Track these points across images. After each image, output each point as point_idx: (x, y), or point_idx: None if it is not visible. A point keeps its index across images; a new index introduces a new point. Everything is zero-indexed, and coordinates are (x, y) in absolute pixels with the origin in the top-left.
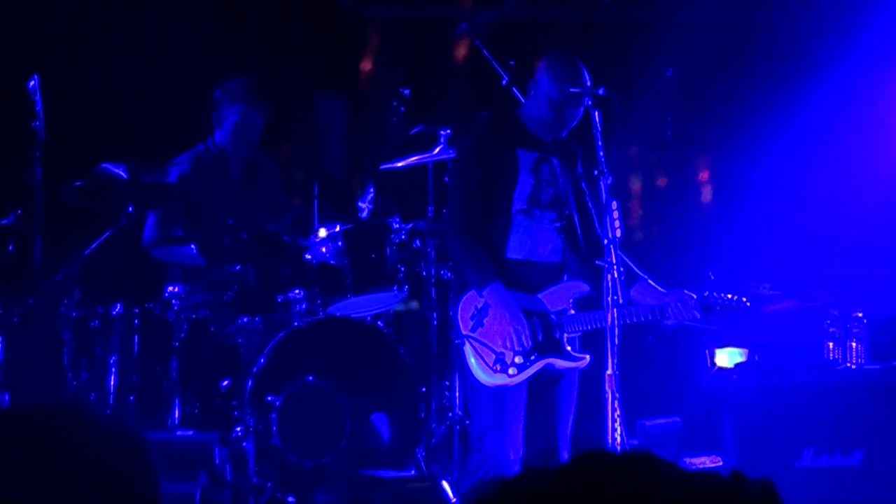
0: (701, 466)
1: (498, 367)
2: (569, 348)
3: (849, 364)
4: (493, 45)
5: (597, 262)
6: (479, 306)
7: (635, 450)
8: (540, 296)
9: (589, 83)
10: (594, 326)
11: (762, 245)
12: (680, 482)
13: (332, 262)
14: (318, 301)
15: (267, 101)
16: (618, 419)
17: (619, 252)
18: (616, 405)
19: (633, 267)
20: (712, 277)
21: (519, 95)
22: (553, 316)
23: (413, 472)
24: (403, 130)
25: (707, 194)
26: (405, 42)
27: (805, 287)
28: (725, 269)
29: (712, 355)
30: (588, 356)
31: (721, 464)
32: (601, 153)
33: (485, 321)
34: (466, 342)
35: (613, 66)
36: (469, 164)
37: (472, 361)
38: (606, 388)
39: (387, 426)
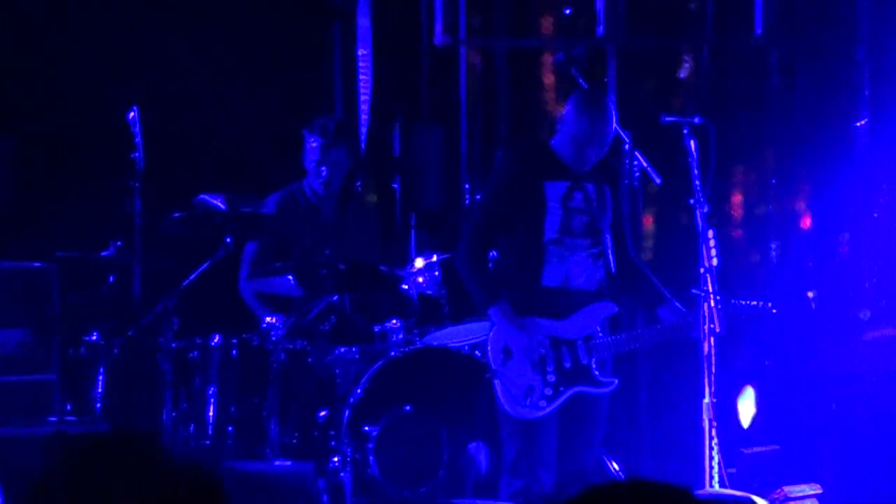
0: (801, 495)
1: (528, 401)
2: (597, 373)
3: None
4: (588, 73)
5: (692, 290)
6: (505, 341)
7: (637, 480)
8: (567, 322)
9: (613, 123)
10: (626, 348)
11: (866, 271)
12: None
13: (428, 291)
14: (415, 331)
15: (346, 141)
16: (716, 447)
17: (715, 281)
18: (714, 433)
19: (659, 286)
20: (811, 296)
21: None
22: (580, 342)
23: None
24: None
25: (805, 223)
26: (502, 72)
27: None
28: (828, 294)
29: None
30: (616, 380)
31: (821, 492)
32: (697, 182)
33: (513, 355)
34: (496, 378)
35: (710, 94)
36: (487, 196)
37: (503, 397)
38: (704, 416)
39: (485, 456)
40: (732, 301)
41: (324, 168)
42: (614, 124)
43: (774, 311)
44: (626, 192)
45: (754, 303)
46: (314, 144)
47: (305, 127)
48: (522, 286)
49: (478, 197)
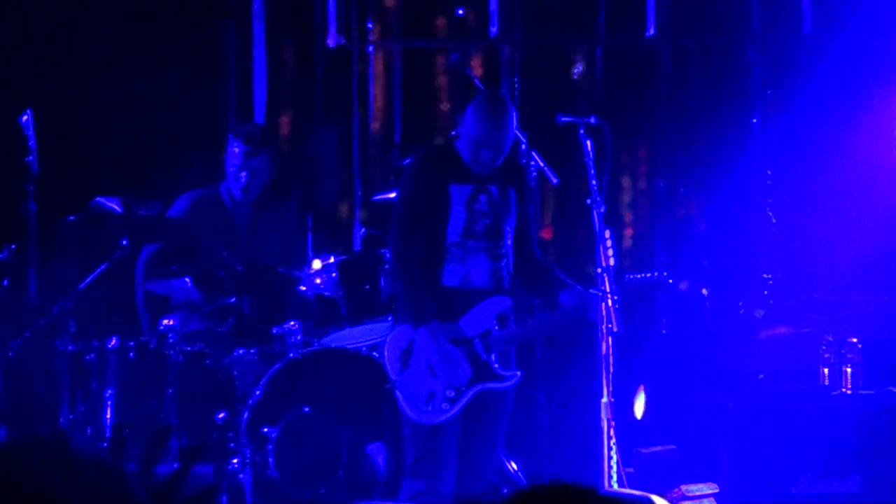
0: (698, 494)
1: (430, 406)
2: (497, 368)
3: (844, 389)
4: (483, 75)
5: (591, 290)
6: (403, 347)
7: (558, 482)
8: (461, 322)
9: (513, 127)
10: (525, 338)
11: (759, 271)
12: None
13: (326, 293)
14: (314, 332)
15: (269, 149)
16: (614, 447)
17: (613, 280)
18: (612, 433)
19: (561, 275)
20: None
21: None
22: (477, 339)
23: (406, 501)
24: (398, 161)
25: (697, 220)
26: (397, 73)
27: (800, 313)
28: (722, 293)
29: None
30: (519, 373)
31: (717, 490)
32: (593, 182)
33: (411, 361)
34: (396, 387)
35: (604, 94)
36: (404, 202)
37: (405, 403)
38: (602, 415)
39: (383, 456)
40: (628, 277)
41: (244, 174)
42: (513, 128)
43: (671, 280)
44: (528, 192)
45: (649, 274)
46: (237, 150)
47: (230, 131)
48: (429, 283)
49: (394, 198)
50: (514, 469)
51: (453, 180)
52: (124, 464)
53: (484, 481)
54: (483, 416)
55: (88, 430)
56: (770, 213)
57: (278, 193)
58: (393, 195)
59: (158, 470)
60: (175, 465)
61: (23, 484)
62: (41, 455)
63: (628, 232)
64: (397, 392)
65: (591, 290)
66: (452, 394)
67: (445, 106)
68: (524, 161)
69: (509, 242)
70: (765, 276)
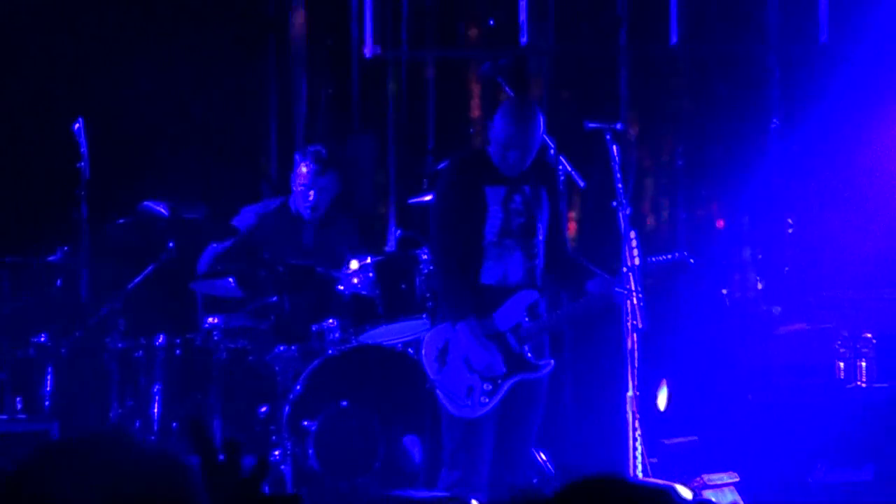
0: (719, 482)
1: (470, 400)
2: (531, 358)
3: (858, 383)
4: (514, 81)
5: (616, 288)
6: (440, 346)
7: (613, 475)
8: (495, 316)
9: (540, 130)
10: (556, 327)
11: (778, 270)
12: None
13: (363, 292)
14: (351, 330)
15: (336, 167)
16: (638, 438)
17: (638, 279)
18: (637, 424)
19: (588, 265)
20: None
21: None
22: (508, 333)
23: (443, 491)
24: (432, 165)
25: (719, 223)
26: (430, 82)
27: (816, 309)
28: (742, 292)
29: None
30: (552, 361)
31: (737, 479)
32: (619, 185)
33: (448, 359)
34: (435, 386)
35: (630, 100)
36: (442, 205)
37: (445, 400)
38: (628, 409)
39: (418, 448)
40: (650, 259)
41: (312, 192)
42: (541, 131)
43: (692, 260)
44: (559, 191)
45: (672, 255)
46: (305, 169)
47: (298, 151)
48: (466, 281)
49: (430, 202)
50: (542, 459)
51: (488, 182)
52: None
53: (519, 472)
54: (519, 407)
55: (137, 424)
56: (789, 220)
57: (340, 207)
58: (427, 198)
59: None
60: (219, 458)
61: (85, 479)
62: (104, 449)
63: (648, 222)
64: (437, 390)
65: (615, 277)
66: (490, 387)
67: (476, 112)
68: (553, 163)
69: (542, 239)
70: (785, 269)
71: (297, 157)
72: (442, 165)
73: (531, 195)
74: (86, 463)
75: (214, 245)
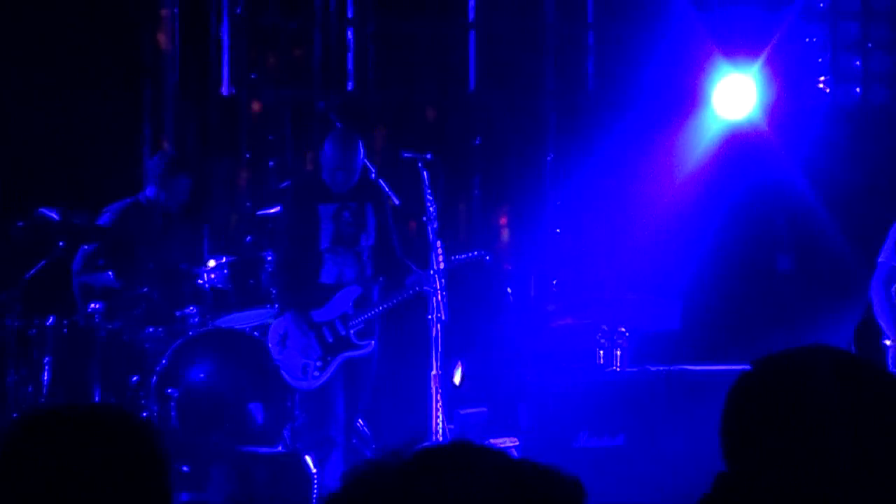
0: (502, 446)
1: (304, 376)
2: (355, 339)
3: (614, 367)
4: (344, 118)
5: (423, 287)
6: (281, 333)
7: (465, 441)
8: (326, 307)
9: (361, 155)
10: (376, 313)
11: (551, 274)
12: (511, 472)
13: (219, 285)
14: (208, 315)
15: (183, 175)
16: (440, 409)
17: (442, 280)
18: (439, 398)
19: (410, 265)
20: (509, 292)
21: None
22: (337, 320)
23: (281, 448)
24: (275, 184)
25: (506, 236)
26: (278, 117)
27: (581, 307)
28: (523, 291)
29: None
30: (372, 342)
31: (517, 443)
32: (429, 204)
33: (287, 343)
34: (279, 365)
35: (436, 136)
36: (283, 221)
37: (287, 376)
38: (431, 385)
39: (261, 413)
40: (453, 257)
41: (162, 196)
42: (362, 156)
43: (487, 258)
44: (388, 207)
45: (473, 253)
46: (156, 177)
47: (150, 159)
48: (304, 283)
49: (269, 212)
50: (361, 424)
51: (320, 200)
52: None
53: (357, 433)
54: (348, 379)
55: (30, 388)
56: (558, 230)
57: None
58: (272, 211)
59: None
60: None
61: (72, 446)
62: (90, 419)
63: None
64: (281, 370)
65: (427, 272)
66: (321, 364)
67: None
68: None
69: (370, 245)
70: (553, 281)
71: (148, 164)
72: (284, 185)
73: (357, 210)
74: (74, 432)
75: (85, 247)
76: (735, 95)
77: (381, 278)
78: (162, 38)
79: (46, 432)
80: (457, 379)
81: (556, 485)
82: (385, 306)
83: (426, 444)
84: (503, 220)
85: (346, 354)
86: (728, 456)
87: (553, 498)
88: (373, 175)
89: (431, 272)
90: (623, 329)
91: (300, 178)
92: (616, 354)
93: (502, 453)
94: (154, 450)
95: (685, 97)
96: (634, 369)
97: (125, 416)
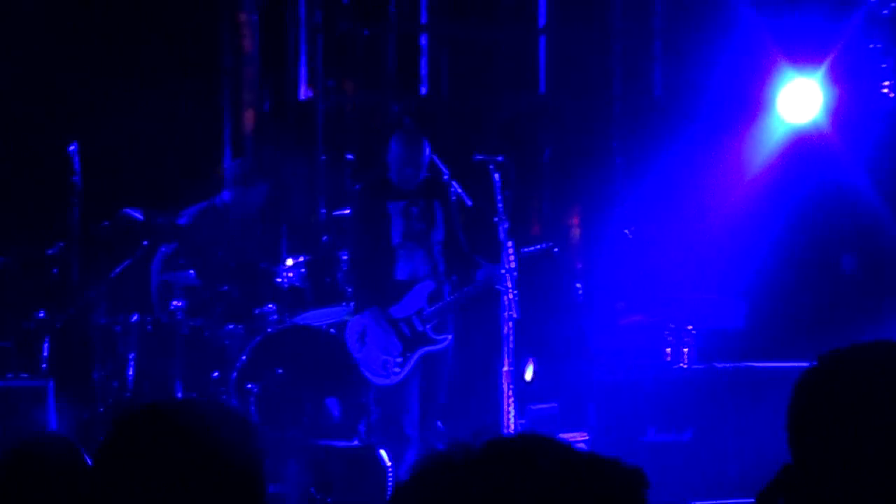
0: (572, 441)
1: (385, 372)
2: (432, 334)
3: (682, 364)
4: (417, 121)
5: (497, 286)
6: (359, 331)
7: (532, 433)
8: (402, 303)
9: (427, 151)
10: (452, 308)
11: (620, 273)
12: (574, 463)
13: (296, 284)
14: (286, 313)
15: (261, 182)
16: (511, 404)
17: (514, 279)
18: (510, 393)
19: (479, 259)
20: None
21: (437, 161)
22: (413, 316)
23: (357, 442)
24: (350, 186)
25: (576, 235)
26: (353, 120)
27: (650, 305)
28: (592, 289)
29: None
30: (449, 336)
31: (587, 438)
32: (500, 204)
33: (367, 340)
34: (358, 362)
35: (507, 138)
36: (355, 221)
37: (367, 373)
38: (503, 381)
39: (337, 407)
40: (523, 249)
41: (240, 202)
42: (427, 152)
43: (556, 249)
44: (455, 204)
45: (541, 245)
46: (234, 183)
47: (228, 165)
48: (379, 280)
49: (345, 212)
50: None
51: (390, 198)
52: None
53: (433, 429)
54: (425, 374)
55: (115, 384)
56: (627, 232)
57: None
58: (346, 212)
59: None
60: None
61: (172, 439)
62: (188, 413)
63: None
64: (360, 366)
65: (497, 267)
66: (401, 359)
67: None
68: (444, 182)
69: (440, 240)
70: (626, 274)
71: (226, 169)
72: (356, 188)
73: (425, 206)
74: (169, 427)
75: (166, 246)
76: (800, 100)
77: (452, 273)
78: (241, 44)
79: (149, 428)
80: (528, 375)
81: (619, 475)
82: (457, 299)
83: (492, 436)
84: (573, 220)
85: (424, 350)
86: (793, 448)
87: (616, 487)
88: (446, 176)
89: (503, 271)
90: (690, 327)
91: (368, 179)
92: (683, 351)
93: (566, 445)
94: (252, 443)
95: (750, 101)
96: (701, 366)
97: (225, 410)
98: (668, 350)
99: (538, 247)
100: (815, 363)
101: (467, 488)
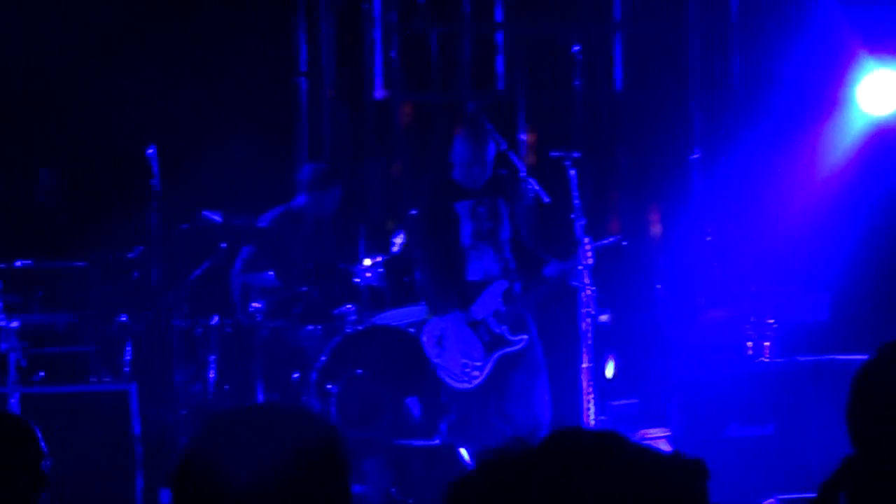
0: (654, 436)
1: (465, 376)
2: (509, 336)
3: (763, 358)
4: (492, 119)
5: (570, 282)
6: (437, 335)
7: (599, 429)
8: (478, 304)
9: (492, 149)
10: (526, 307)
11: (701, 269)
12: (632, 454)
13: (374, 284)
14: (365, 313)
15: (335, 185)
16: (591, 401)
17: (591, 276)
18: (590, 390)
19: (543, 255)
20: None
21: (514, 158)
22: (490, 318)
23: (438, 441)
24: (418, 187)
25: (654, 231)
26: (429, 118)
27: (731, 300)
28: (673, 284)
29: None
30: (526, 336)
31: (669, 433)
32: (576, 201)
33: (445, 344)
34: (437, 367)
35: (584, 134)
36: (421, 223)
37: (445, 377)
38: (582, 377)
39: (417, 407)
40: (594, 243)
41: (313, 207)
42: (492, 150)
43: (625, 242)
44: (521, 201)
45: (610, 239)
46: (307, 189)
47: (300, 170)
48: (452, 283)
49: (413, 213)
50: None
51: (455, 199)
52: None
53: (513, 425)
54: (506, 374)
55: (197, 387)
56: (707, 227)
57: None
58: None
59: None
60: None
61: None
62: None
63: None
64: (438, 371)
65: (566, 262)
66: (479, 363)
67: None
68: (522, 185)
69: (507, 238)
70: (707, 268)
71: (298, 176)
72: (421, 188)
73: (491, 204)
74: (254, 432)
75: (245, 248)
76: (880, 91)
77: (521, 271)
78: (318, 44)
79: (235, 432)
80: (609, 372)
81: (677, 467)
82: (533, 297)
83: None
84: (651, 216)
85: (502, 351)
86: (854, 439)
87: (674, 480)
88: (523, 173)
89: (580, 267)
90: (771, 320)
91: (432, 179)
92: (764, 345)
93: (621, 437)
94: (337, 448)
95: (830, 93)
96: (783, 360)
97: (309, 415)
98: (750, 344)
99: (607, 240)
100: (872, 355)
101: (522, 483)
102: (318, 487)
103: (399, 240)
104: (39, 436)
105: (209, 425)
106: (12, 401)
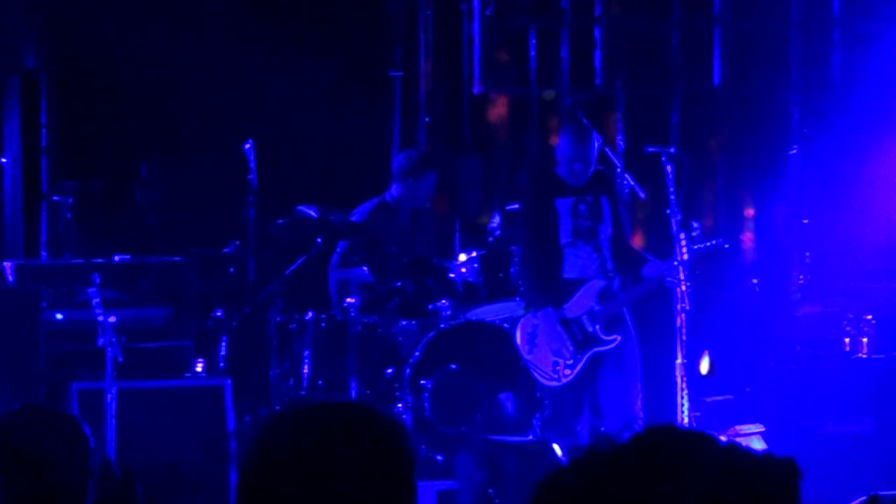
0: (748, 432)
1: (555, 374)
2: (602, 335)
3: (861, 354)
4: (590, 114)
5: (665, 278)
6: (529, 332)
7: (690, 428)
8: (573, 302)
9: (595, 146)
10: (621, 307)
11: (797, 264)
12: (722, 454)
13: (469, 279)
14: (460, 308)
15: (430, 171)
16: (685, 396)
17: (686, 271)
18: (684, 386)
19: (644, 254)
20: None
21: (610, 153)
22: (584, 317)
23: (531, 437)
24: (519, 181)
25: (751, 227)
26: (526, 114)
27: (828, 295)
28: (769, 281)
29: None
30: (619, 336)
31: (763, 430)
32: (672, 196)
33: (537, 341)
34: (528, 364)
35: (681, 130)
36: (522, 217)
37: (536, 374)
38: (677, 373)
39: (511, 403)
40: (695, 246)
41: (409, 195)
42: (596, 147)
43: (727, 245)
44: (618, 197)
45: (712, 242)
46: (403, 176)
47: (395, 158)
48: (549, 280)
49: (515, 207)
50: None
51: (557, 195)
52: None
53: (607, 421)
54: (601, 372)
55: (291, 382)
56: (805, 221)
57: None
58: (516, 207)
59: None
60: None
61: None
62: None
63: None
64: (530, 368)
65: (665, 262)
66: (571, 361)
67: (554, 140)
68: (619, 180)
69: (607, 237)
70: (804, 260)
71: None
72: (523, 182)
73: (593, 202)
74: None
75: (341, 243)
76: None
77: (620, 270)
78: (415, 39)
79: (299, 429)
80: (703, 368)
81: (768, 467)
82: (629, 299)
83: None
84: (748, 212)
85: (594, 350)
86: None
87: (765, 480)
88: (619, 169)
89: (675, 263)
90: (869, 316)
91: (535, 173)
92: (862, 341)
93: (711, 437)
94: (402, 448)
95: None
96: (881, 356)
97: (375, 413)
98: (847, 340)
99: (709, 243)
100: None
101: (610, 481)
102: (381, 483)
103: (496, 221)
104: (88, 432)
105: (274, 421)
106: (109, 395)
